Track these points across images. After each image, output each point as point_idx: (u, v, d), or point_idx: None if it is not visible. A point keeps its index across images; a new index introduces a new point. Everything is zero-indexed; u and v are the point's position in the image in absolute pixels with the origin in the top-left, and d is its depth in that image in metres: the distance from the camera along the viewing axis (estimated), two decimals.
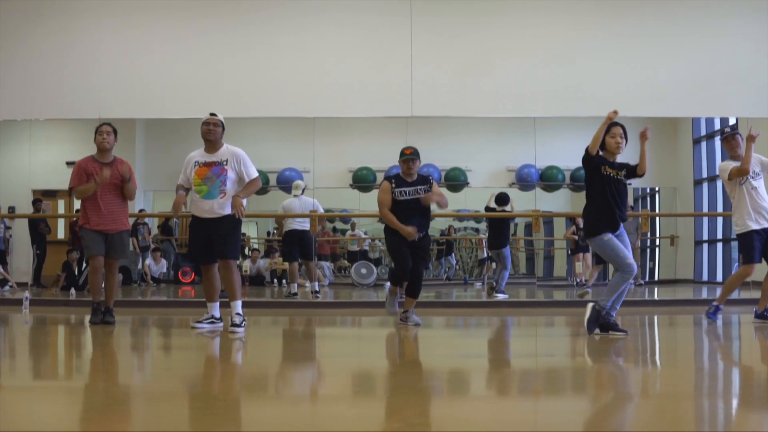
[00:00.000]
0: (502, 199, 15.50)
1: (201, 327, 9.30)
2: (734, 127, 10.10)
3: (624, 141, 8.35)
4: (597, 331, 8.26)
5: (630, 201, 20.49)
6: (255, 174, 9.38)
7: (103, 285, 9.98)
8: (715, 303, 9.97)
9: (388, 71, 14.81)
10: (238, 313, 9.23)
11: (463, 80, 14.89)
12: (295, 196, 15.14)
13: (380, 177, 20.02)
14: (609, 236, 8.27)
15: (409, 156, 9.79)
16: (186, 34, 15.00)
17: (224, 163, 9.25)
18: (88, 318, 9.87)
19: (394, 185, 9.76)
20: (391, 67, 14.78)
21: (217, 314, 9.44)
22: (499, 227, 15.29)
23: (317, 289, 14.87)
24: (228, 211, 9.19)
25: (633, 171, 8.39)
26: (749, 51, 14.88)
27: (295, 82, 14.86)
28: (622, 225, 8.39)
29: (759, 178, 9.85)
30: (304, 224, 14.87)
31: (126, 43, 14.92)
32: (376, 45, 14.98)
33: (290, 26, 14.98)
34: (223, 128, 9.43)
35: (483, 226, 23.87)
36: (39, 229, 18.25)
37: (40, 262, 18.57)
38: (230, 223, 9.25)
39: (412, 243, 9.72)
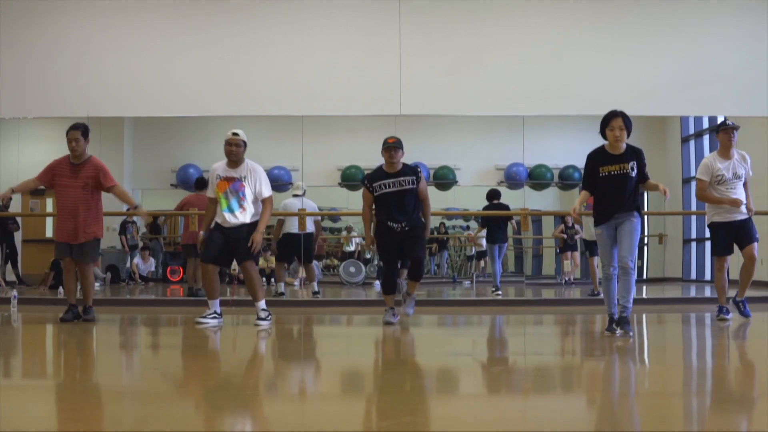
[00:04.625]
0: (493, 194, 15.62)
1: (205, 322, 9.59)
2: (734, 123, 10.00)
3: (625, 132, 8.26)
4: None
5: None
6: (268, 193, 9.72)
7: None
8: (718, 306, 10.08)
9: (377, 69, 14.80)
10: (263, 309, 9.73)
11: (451, 78, 14.89)
12: (294, 195, 14.96)
13: None
14: (600, 230, 8.38)
15: (392, 144, 9.60)
16: (175, 32, 14.97)
17: (243, 179, 9.60)
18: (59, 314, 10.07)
19: (368, 183, 9.72)
20: (380, 66, 14.77)
21: (219, 310, 9.76)
22: (497, 223, 15.52)
23: (317, 289, 14.59)
24: (247, 220, 9.63)
25: (641, 176, 8.36)
26: (738, 50, 14.92)
27: (284, 80, 14.85)
28: (622, 215, 8.27)
29: (736, 180, 9.89)
30: (305, 227, 14.53)
31: (115, 42, 14.89)
32: (365, 43, 14.97)
33: (279, 25, 14.97)
34: (245, 146, 9.71)
35: (473, 224, 23.90)
36: (8, 227, 18.27)
37: (14, 261, 18.58)
38: (248, 230, 9.61)
39: (400, 236, 9.61)
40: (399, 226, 9.59)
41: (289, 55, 14.85)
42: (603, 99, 14.84)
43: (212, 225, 9.75)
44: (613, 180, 8.25)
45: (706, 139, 21.07)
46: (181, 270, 19.68)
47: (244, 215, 9.59)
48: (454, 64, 14.89)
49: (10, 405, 5.09)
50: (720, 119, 19.54)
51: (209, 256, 9.66)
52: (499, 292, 15.35)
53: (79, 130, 9.93)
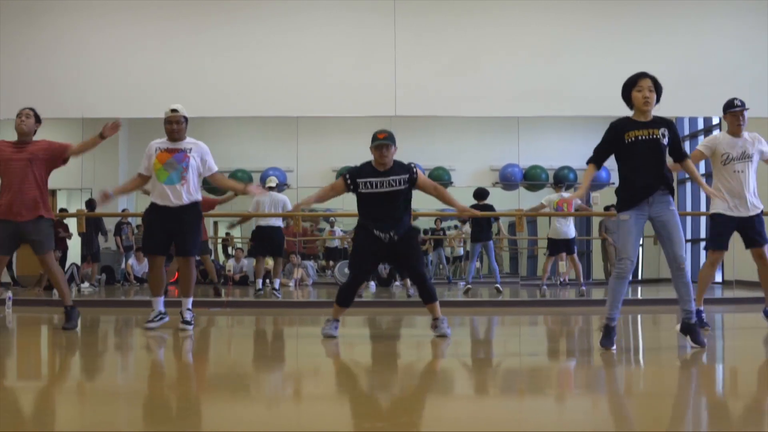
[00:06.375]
0: (482, 194, 15.67)
1: (154, 326, 9.16)
2: (738, 102, 9.10)
3: (654, 95, 7.37)
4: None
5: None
6: (216, 168, 9.23)
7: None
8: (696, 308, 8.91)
9: (372, 71, 14.82)
10: (189, 309, 9.18)
11: (446, 80, 14.91)
12: (269, 188, 14.94)
13: None
14: (626, 215, 7.28)
15: (382, 141, 8.35)
16: (170, 33, 14.98)
17: (187, 150, 9.07)
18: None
19: (349, 179, 8.47)
20: (375, 67, 14.80)
21: (163, 309, 9.30)
22: (484, 220, 15.57)
23: (277, 287, 14.79)
24: (187, 201, 9.02)
25: (677, 151, 7.48)
26: (735, 50, 14.96)
27: (279, 81, 14.87)
28: (658, 197, 7.29)
29: (746, 161, 8.93)
30: (274, 221, 14.82)
31: (110, 43, 14.91)
32: (360, 44, 14.99)
33: (274, 26, 14.99)
34: (187, 121, 9.18)
35: (467, 225, 23.88)
36: None
37: (8, 262, 18.55)
38: (192, 217, 9.10)
39: (388, 248, 8.35)
40: (387, 236, 8.31)
41: (284, 57, 14.87)
42: (598, 100, 14.85)
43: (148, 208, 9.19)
44: (642, 146, 7.24)
45: (701, 139, 21.03)
46: (176, 271, 19.64)
47: (183, 189, 8.95)
48: (449, 65, 14.92)
49: (6, 406, 5.08)
50: (715, 120, 19.55)
51: (152, 246, 9.19)
52: (470, 286, 15.77)
53: (32, 110, 9.39)
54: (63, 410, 5.03)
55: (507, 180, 20.53)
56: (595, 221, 21.17)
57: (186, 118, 9.16)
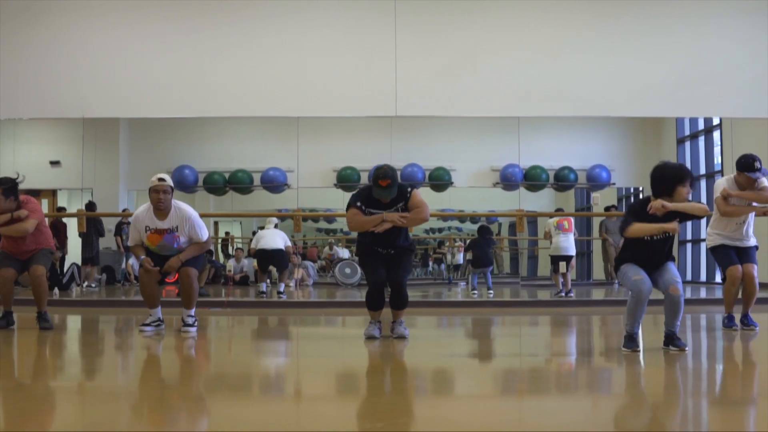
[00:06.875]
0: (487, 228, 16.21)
1: (149, 330, 9.14)
2: (759, 164, 9.07)
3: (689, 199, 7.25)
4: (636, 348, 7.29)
5: (614, 201, 20.50)
6: (205, 237, 9.20)
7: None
8: (724, 315, 9.44)
9: (372, 71, 14.82)
10: (190, 315, 9.16)
11: (447, 80, 14.90)
12: (266, 227, 16.30)
13: (364, 177, 20.02)
14: (625, 265, 7.48)
15: (384, 190, 8.20)
16: (170, 33, 14.97)
17: (176, 229, 9.04)
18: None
19: (362, 206, 8.34)
20: (375, 67, 14.79)
21: (161, 317, 9.33)
22: (485, 250, 16.03)
23: (281, 290, 15.79)
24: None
25: (689, 217, 7.41)
26: (735, 51, 14.94)
27: (279, 81, 14.87)
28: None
29: (742, 202, 9.20)
30: (276, 245, 15.80)
31: (109, 43, 14.90)
32: (360, 44, 14.99)
33: (274, 26, 14.98)
34: (173, 191, 9.12)
35: (468, 225, 23.92)
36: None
37: None
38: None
39: (387, 256, 8.47)
40: (386, 252, 8.50)
41: (284, 57, 14.87)
42: (598, 100, 14.89)
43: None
44: (654, 243, 7.35)
45: (701, 140, 21.08)
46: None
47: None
48: (449, 66, 14.91)
49: (6, 406, 5.08)
50: (716, 120, 19.53)
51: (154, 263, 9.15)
52: (475, 292, 16.16)
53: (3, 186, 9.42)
54: (63, 410, 5.02)
55: (507, 180, 20.52)
56: (596, 221, 21.18)
57: (173, 188, 9.11)
